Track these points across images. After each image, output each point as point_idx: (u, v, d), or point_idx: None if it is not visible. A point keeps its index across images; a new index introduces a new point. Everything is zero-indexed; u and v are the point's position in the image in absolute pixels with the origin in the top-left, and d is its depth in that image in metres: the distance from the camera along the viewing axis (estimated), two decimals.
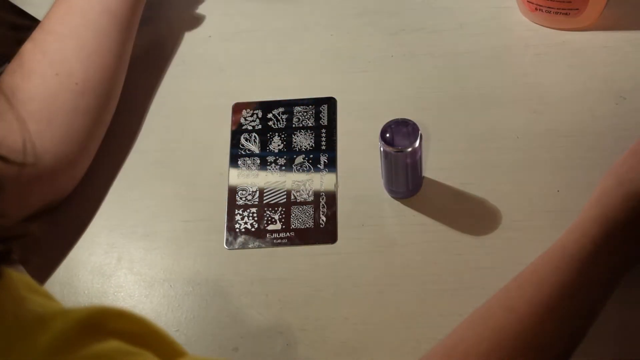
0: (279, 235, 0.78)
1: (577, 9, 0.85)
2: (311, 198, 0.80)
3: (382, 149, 0.74)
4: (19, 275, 0.48)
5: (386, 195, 0.79)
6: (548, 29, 0.88)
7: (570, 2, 0.85)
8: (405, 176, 0.75)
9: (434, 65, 0.87)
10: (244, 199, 0.80)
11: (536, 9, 0.87)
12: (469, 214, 0.77)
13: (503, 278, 0.72)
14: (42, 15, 0.93)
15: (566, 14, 0.86)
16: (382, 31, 0.90)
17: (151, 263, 0.77)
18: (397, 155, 0.74)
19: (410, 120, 0.74)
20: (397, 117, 0.74)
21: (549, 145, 0.80)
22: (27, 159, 0.50)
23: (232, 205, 0.80)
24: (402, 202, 0.78)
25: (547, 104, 0.83)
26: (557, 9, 0.86)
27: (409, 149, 0.73)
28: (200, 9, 0.95)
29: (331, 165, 0.81)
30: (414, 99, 0.85)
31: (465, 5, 0.91)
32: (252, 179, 0.81)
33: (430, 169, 0.80)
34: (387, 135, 0.74)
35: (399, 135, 0.74)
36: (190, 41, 0.92)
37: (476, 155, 0.80)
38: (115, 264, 0.78)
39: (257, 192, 0.80)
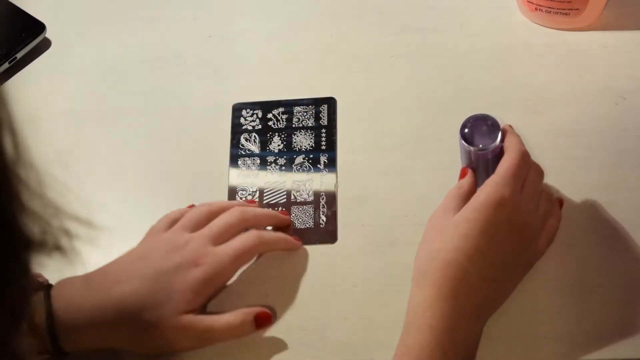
0: None
1: (577, 9, 0.85)
2: (311, 198, 0.80)
3: (464, 148, 0.72)
4: None
5: (384, 195, 0.79)
6: (548, 29, 0.88)
7: (570, 2, 0.85)
8: (486, 172, 0.72)
9: (434, 65, 0.87)
10: (243, 199, 0.80)
11: (536, 9, 0.87)
12: None
13: None
14: (42, 15, 0.93)
15: (566, 14, 0.86)
16: (382, 31, 0.90)
17: None
18: (478, 153, 0.72)
19: (489, 115, 0.72)
20: (475, 113, 0.73)
21: (549, 145, 0.80)
22: None
23: None
24: (402, 202, 0.78)
25: (547, 104, 0.83)
26: (557, 9, 0.86)
27: (491, 147, 0.71)
28: (200, 9, 0.95)
29: (331, 165, 0.81)
30: (414, 99, 0.85)
31: (465, 5, 0.91)
32: (252, 179, 0.81)
33: (431, 169, 0.80)
34: (467, 131, 0.72)
35: (478, 132, 0.72)
36: (190, 41, 0.92)
37: None
38: None
39: (257, 192, 0.80)
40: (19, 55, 0.90)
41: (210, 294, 0.72)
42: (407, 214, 0.77)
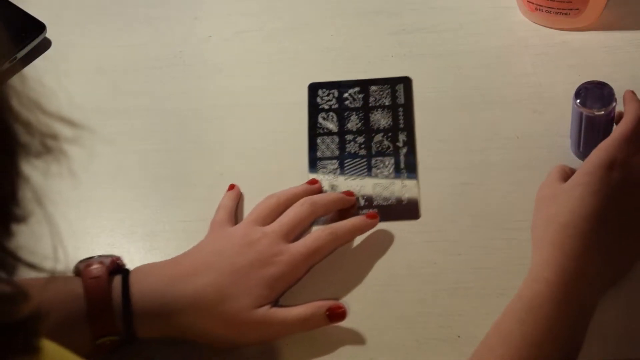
0: None
1: (577, 9, 0.85)
2: (392, 175, 0.79)
3: (578, 110, 0.74)
4: (57, 348, 0.46)
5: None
6: (548, 29, 0.88)
7: (570, 2, 0.85)
8: (598, 137, 0.73)
9: (434, 65, 0.87)
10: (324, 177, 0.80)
11: (536, 9, 0.87)
12: (469, 214, 0.77)
13: (503, 278, 0.72)
14: (42, 15, 0.93)
15: (566, 14, 0.86)
16: (382, 31, 0.90)
17: None
18: (591, 117, 0.73)
19: (605, 83, 0.74)
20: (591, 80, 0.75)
21: (549, 145, 0.80)
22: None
23: None
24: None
25: (547, 104, 0.83)
26: (557, 9, 0.86)
27: (604, 111, 0.73)
28: (200, 9, 0.95)
29: (410, 146, 0.81)
30: (414, 99, 0.85)
31: (465, 5, 0.91)
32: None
33: (431, 169, 0.80)
34: (581, 96, 0.74)
35: (592, 97, 0.74)
36: (190, 41, 0.92)
37: (476, 155, 0.80)
38: None
39: (338, 168, 0.80)
40: (19, 55, 0.90)
41: (284, 289, 0.73)
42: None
